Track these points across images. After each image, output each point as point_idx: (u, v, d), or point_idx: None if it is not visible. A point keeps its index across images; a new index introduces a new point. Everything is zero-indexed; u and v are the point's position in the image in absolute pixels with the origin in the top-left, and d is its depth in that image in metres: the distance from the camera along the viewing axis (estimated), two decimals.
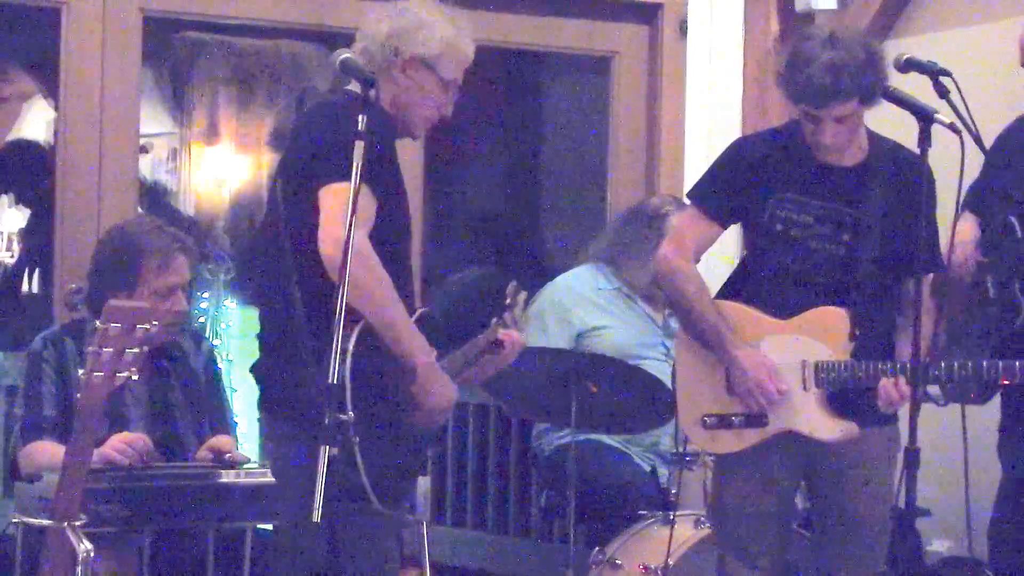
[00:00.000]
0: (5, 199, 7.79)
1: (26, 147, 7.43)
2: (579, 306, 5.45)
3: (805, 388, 4.12)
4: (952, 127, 3.82)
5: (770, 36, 6.35)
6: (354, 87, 3.83)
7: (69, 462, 3.39)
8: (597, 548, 4.93)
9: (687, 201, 4.46)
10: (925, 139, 3.83)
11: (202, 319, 6.66)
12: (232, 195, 8.68)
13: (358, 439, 3.57)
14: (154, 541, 4.19)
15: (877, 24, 6.13)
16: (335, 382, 3.37)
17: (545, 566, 5.86)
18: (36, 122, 8.22)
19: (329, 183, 3.65)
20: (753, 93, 6.35)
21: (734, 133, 6.23)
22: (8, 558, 4.13)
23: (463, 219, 8.29)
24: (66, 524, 3.35)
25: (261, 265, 3.92)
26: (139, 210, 6.20)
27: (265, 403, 3.88)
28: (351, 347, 3.60)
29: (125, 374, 3.35)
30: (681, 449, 4.77)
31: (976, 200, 4.61)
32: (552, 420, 5.29)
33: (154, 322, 3.38)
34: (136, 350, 3.34)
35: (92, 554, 3.34)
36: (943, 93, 3.91)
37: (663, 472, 5.22)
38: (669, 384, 4.88)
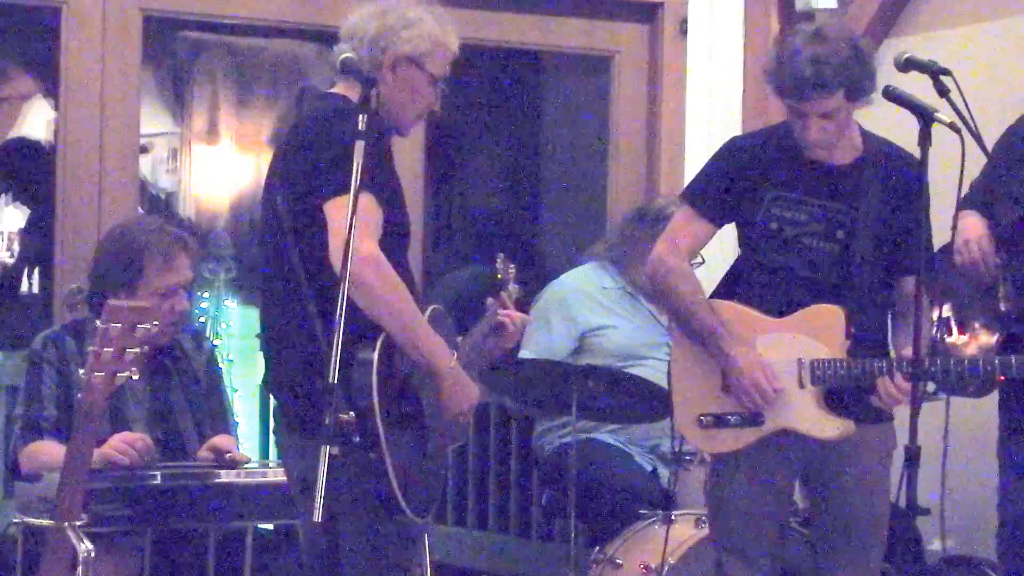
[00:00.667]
0: (3, 197, 7.79)
1: (25, 146, 7.43)
2: (584, 305, 5.45)
3: (801, 386, 4.12)
4: (952, 126, 3.81)
5: (770, 35, 6.35)
6: (340, 89, 3.88)
7: (70, 462, 3.38)
8: (598, 548, 4.93)
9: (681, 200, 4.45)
10: (925, 138, 3.83)
11: (203, 319, 6.66)
12: (232, 195, 8.68)
13: (389, 450, 3.57)
14: (155, 541, 4.20)
15: (877, 23, 6.13)
16: (334, 382, 3.38)
17: (546, 565, 5.87)
18: (36, 122, 8.23)
19: (334, 197, 3.64)
20: (753, 92, 6.34)
21: (734, 132, 6.21)
22: (9, 558, 4.13)
23: (463, 219, 8.29)
24: (67, 524, 3.35)
25: (267, 279, 3.87)
26: (139, 210, 6.20)
27: (286, 419, 3.82)
28: (375, 358, 3.60)
29: (126, 374, 3.35)
30: (679, 448, 4.77)
31: (979, 199, 4.60)
32: (552, 414, 5.30)
33: (155, 322, 3.37)
34: (137, 350, 3.34)
35: (93, 554, 3.34)
36: (943, 92, 3.90)
37: (664, 472, 5.23)
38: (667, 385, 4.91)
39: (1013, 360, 4.07)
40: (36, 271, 7.28)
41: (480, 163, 8.36)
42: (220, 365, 4.80)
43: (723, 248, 4.53)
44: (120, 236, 4.50)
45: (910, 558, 5.19)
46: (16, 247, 8.09)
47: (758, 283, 4.21)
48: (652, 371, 5.08)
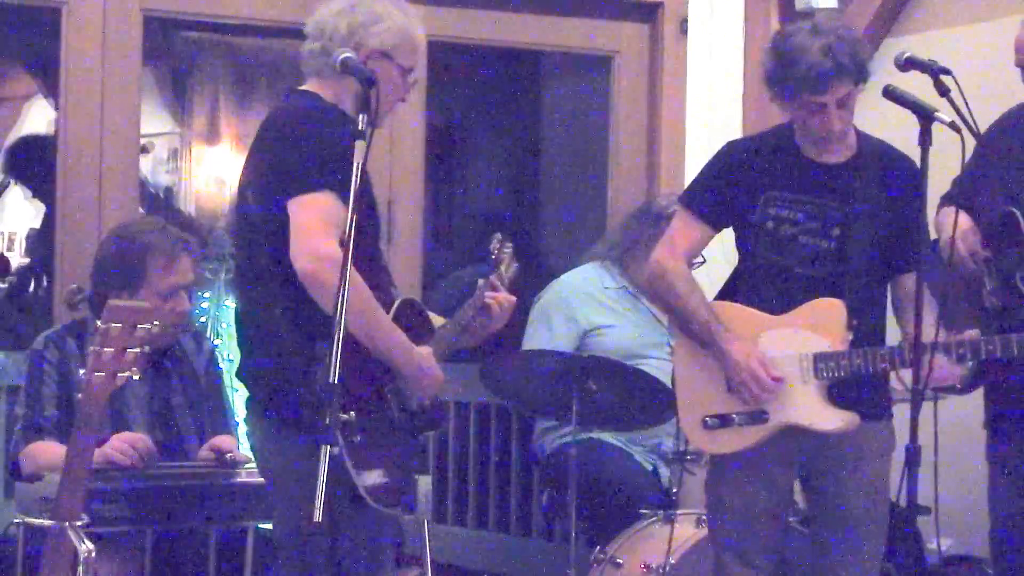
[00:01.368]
0: (17, 193, 7.78)
1: (45, 142, 7.41)
2: (585, 304, 5.46)
3: (804, 381, 4.12)
4: (952, 125, 3.81)
5: (770, 35, 6.32)
6: (311, 86, 3.94)
7: (70, 462, 3.38)
8: (598, 547, 4.93)
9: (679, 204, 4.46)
10: (926, 138, 3.83)
11: (203, 319, 6.65)
12: (233, 195, 8.67)
13: (358, 438, 3.62)
14: (156, 541, 4.20)
15: (877, 22, 6.13)
16: (335, 382, 3.39)
17: (547, 565, 5.87)
18: (37, 122, 8.22)
19: (298, 195, 3.71)
20: (753, 92, 6.35)
21: (734, 132, 6.23)
22: (9, 558, 4.13)
23: (463, 219, 8.29)
24: (67, 524, 3.35)
25: (240, 274, 4.00)
26: (140, 210, 6.20)
27: (253, 405, 3.92)
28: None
29: (126, 374, 3.35)
30: (682, 447, 4.77)
31: (962, 192, 4.60)
32: (554, 417, 5.29)
33: (155, 322, 3.38)
34: (137, 350, 3.34)
35: (93, 554, 3.34)
36: (943, 91, 3.91)
37: (664, 472, 5.23)
38: (670, 383, 4.90)
39: (1014, 339, 4.05)
40: (42, 271, 7.28)
41: (480, 163, 8.36)
42: (220, 365, 4.80)
43: (723, 248, 4.53)
44: (122, 237, 4.51)
45: (911, 557, 5.19)
46: (19, 246, 8.09)
47: (757, 283, 4.23)
48: (653, 371, 5.08)
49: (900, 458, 3.75)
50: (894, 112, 4.02)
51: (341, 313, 3.41)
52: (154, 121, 8.12)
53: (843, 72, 4.03)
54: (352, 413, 3.59)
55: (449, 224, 8.19)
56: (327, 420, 3.37)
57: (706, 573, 4.43)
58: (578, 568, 4.77)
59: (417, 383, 3.86)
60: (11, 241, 8.22)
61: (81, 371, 3.36)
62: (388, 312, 3.82)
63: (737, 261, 4.36)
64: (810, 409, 4.13)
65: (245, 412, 4.00)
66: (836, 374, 4.10)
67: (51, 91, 7.02)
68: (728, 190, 4.23)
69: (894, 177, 4.17)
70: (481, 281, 4.13)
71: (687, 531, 4.73)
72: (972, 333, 4.10)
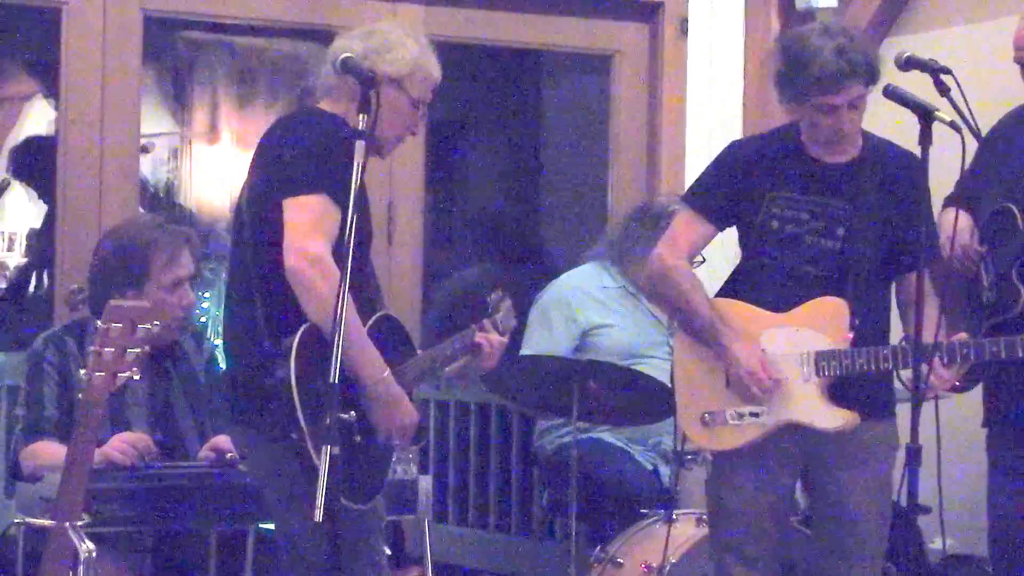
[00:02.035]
0: (20, 193, 7.78)
1: (43, 145, 7.41)
2: (584, 304, 5.46)
3: (805, 379, 4.13)
4: (953, 125, 3.82)
5: (771, 35, 6.34)
6: (325, 105, 3.96)
7: (71, 462, 3.38)
8: (599, 547, 4.93)
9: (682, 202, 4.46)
10: (926, 137, 3.83)
11: (203, 319, 6.66)
12: (233, 195, 8.67)
13: (312, 434, 3.62)
14: (156, 541, 4.20)
15: (877, 22, 6.13)
16: (335, 382, 3.40)
17: (547, 565, 5.87)
18: (37, 122, 8.22)
19: (292, 195, 3.75)
20: (754, 91, 6.35)
21: (735, 132, 6.23)
22: (10, 558, 4.13)
23: (464, 219, 8.29)
24: (68, 524, 3.35)
25: (230, 276, 4.04)
26: (140, 210, 6.20)
27: (234, 412, 3.95)
28: (293, 349, 3.67)
29: (126, 374, 3.35)
30: (680, 447, 4.77)
31: (965, 191, 4.61)
32: (554, 415, 5.29)
33: (155, 322, 3.38)
34: (137, 350, 3.34)
35: (94, 554, 3.34)
36: (943, 91, 3.91)
37: (665, 471, 5.23)
38: (669, 383, 4.90)
39: (1018, 340, 4.04)
40: (41, 271, 7.28)
41: (480, 163, 8.36)
42: (221, 365, 4.80)
43: (724, 248, 4.53)
44: (123, 235, 4.52)
45: (911, 557, 5.19)
46: (19, 246, 8.09)
47: (760, 282, 4.23)
48: (653, 370, 5.09)
49: (902, 457, 3.75)
50: (894, 112, 4.02)
51: (341, 313, 3.42)
52: (154, 121, 8.11)
53: (856, 73, 4.03)
54: (352, 413, 3.59)
55: (449, 224, 8.19)
56: (327, 420, 3.38)
57: (706, 573, 4.43)
58: (578, 568, 4.78)
59: (379, 405, 3.77)
60: (11, 241, 8.22)
61: (81, 371, 3.36)
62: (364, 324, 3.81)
63: (740, 259, 4.36)
64: (810, 407, 4.13)
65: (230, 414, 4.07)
66: (837, 373, 4.10)
67: (51, 91, 7.02)
68: (732, 189, 4.24)
69: (898, 176, 4.17)
70: (472, 325, 4.12)
71: (687, 531, 4.73)
72: (962, 336, 4.10)
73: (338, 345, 3.42)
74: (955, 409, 4.56)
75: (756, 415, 4.14)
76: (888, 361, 4.04)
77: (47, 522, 3.46)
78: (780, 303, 4.18)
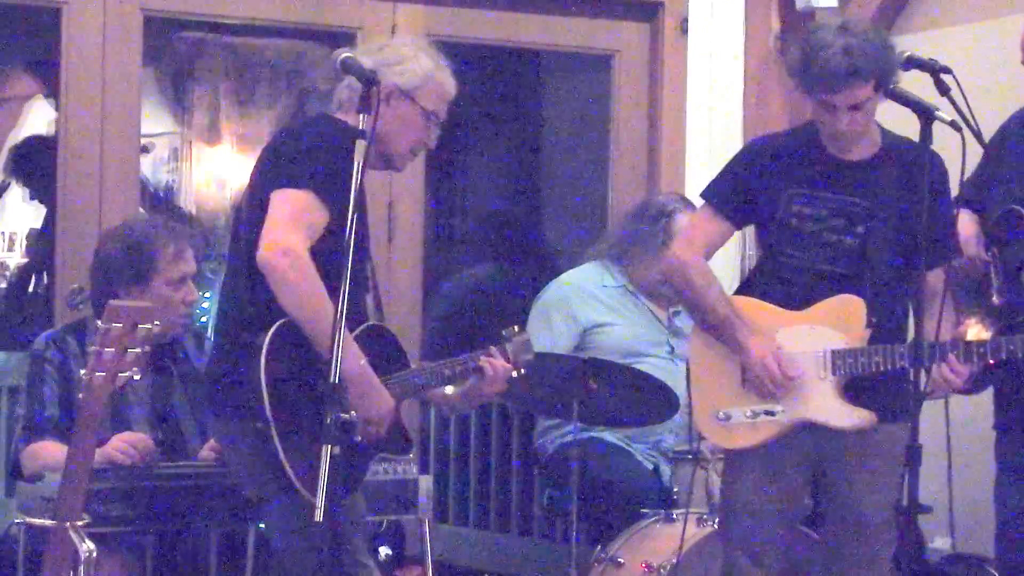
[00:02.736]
0: (17, 193, 7.78)
1: (46, 144, 7.41)
2: (585, 303, 5.45)
3: (821, 377, 4.12)
4: (953, 124, 3.82)
5: (771, 34, 6.35)
6: (339, 116, 3.95)
7: (71, 462, 3.38)
8: (599, 547, 4.93)
9: (700, 200, 4.43)
10: (926, 136, 3.83)
11: (203, 319, 6.65)
12: (233, 194, 8.67)
13: (279, 428, 3.66)
14: (157, 541, 4.20)
15: (877, 21, 6.12)
16: (335, 382, 3.40)
17: (547, 565, 5.87)
18: (37, 122, 8.22)
19: (278, 188, 3.77)
20: (754, 91, 6.35)
21: (735, 131, 6.24)
22: (11, 558, 4.13)
23: (464, 218, 8.29)
24: (68, 524, 3.35)
25: (225, 267, 4.09)
26: (140, 210, 6.20)
27: (211, 404, 3.98)
28: (266, 341, 3.69)
29: (127, 374, 3.35)
30: (679, 449, 4.77)
31: (973, 194, 4.61)
32: (555, 416, 5.29)
33: (156, 322, 3.37)
34: (138, 350, 3.34)
35: (95, 554, 3.34)
36: (944, 90, 3.91)
37: (665, 470, 5.22)
38: (670, 383, 4.90)
39: None
40: (43, 271, 7.28)
41: (480, 163, 8.35)
42: None
43: (724, 247, 4.52)
44: (128, 234, 4.52)
45: (912, 556, 5.19)
46: (20, 246, 8.09)
47: (778, 279, 4.22)
48: (653, 369, 5.09)
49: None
50: (895, 111, 4.02)
51: (342, 314, 3.42)
52: (154, 121, 8.11)
53: (858, 76, 3.98)
54: (353, 412, 3.59)
55: (449, 224, 8.19)
56: (327, 420, 3.38)
57: (708, 572, 4.43)
58: (579, 567, 4.77)
59: (358, 394, 3.74)
60: (11, 241, 8.22)
61: (82, 371, 3.36)
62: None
63: (759, 258, 4.34)
64: (826, 406, 4.12)
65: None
66: (852, 371, 4.09)
67: (52, 91, 7.02)
68: (751, 186, 4.22)
69: (918, 173, 4.13)
70: (480, 353, 4.10)
71: (689, 530, 4.72)
72: (971, 325, 4.10)
73: (338, 345, 3.42)
74: (959, 409, 4.57)
75: (771, 413, 4.14)
76: (904, 359, 4.01)
77: (48, 522, 3.46)
78: (798, 301, 4.17)
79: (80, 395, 3.39)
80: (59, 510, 3.38)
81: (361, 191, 3.67)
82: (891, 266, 4.14)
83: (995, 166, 4.56)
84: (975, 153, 3.97)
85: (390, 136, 3.96)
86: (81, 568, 3.33)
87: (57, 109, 6.12)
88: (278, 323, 3.72)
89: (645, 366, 5.15)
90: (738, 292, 4.32)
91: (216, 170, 8.59)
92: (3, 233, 8.26)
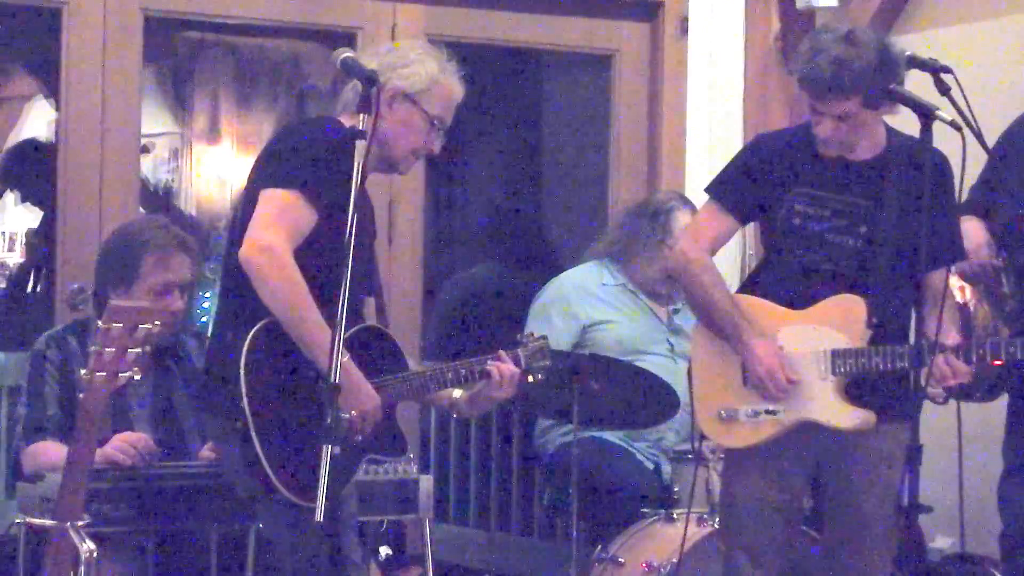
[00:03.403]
0: (12, 196, 7.79)
1: (38, 147, 7.42)
2: (584, 301, 5.46)
3: (821, 377, 4.12)
4: (953, 124, 3.81)
5: (771, 34, 6.35)
6: (343, 119, 3.93)
7: (72, 462, 3.38)
8: (600, 546, 4.93)
9: (703, 195, 4.43)
10: (926, 136, 3.83)
11: (204, 319, 6.66)
12: (233, 195, 8.68)
13: (259, 429, 3.67)
14: (157, 541, 4.20)
15: (878, 21, 6.12)
16: (336, 382, 3.40)
17: (548, 564, 5.86)
18: (37, 123, 8.22)
19: (266, 187, 3.78)
20: (754, 91, 6.35)
21: (735, 131, 6.23)
22: (11, 558, 4.13)
23: (463, 219, 8.28)
24: (69, 524, 3.35)
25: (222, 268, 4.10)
26: (140, 210, 6.20)
27: (200, 400, 4.04)
28: (248, 338, 3.71)
29: (128, 374, 3.35)
30: (699, 445, 4.76)
31: (981, 198, 4.60)
32: (555, 416, 5.29)
33: (156, 322, 3.38)
34: (139, 350, 3.34)
35: (95, 554, 3.34)
36: (944, 90, 3.91)
37: (666, 470, 5.22)
38: (671, 382, 4.90)
39: None
40: (42, 272, 7.28)
41: (480, 163, 8.35)
42: None
43: (725, 247, 4.52)
44: (122, 233, 4.52)
45: (912, 556, 5.19)
46: (20, 247, 8.09)
47: (781, 279, 4.21)
48: (652, 367, 5.09)
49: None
50: (895, 111, 4.02)
51: (342, 314, 3.42)
52: (154, 121, 8.12)
53: (839, 90, 3.97)
54: (353, 412, 3.59)
55: (449, 224, 8.18)
56: (328, 420, 3.38)
57: (708, 572, 4.43)
58: (580, 567, 4.77)
59: (344, 394, 3.63)
60: (11, 241, 8.22)
61: (83, 371, 3.36)
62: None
63: (763, 257, 4.34)
64: (826, 406, 4.12)
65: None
66: (853, 371, 4.08)
67: (51, 91, 7.02)
68: (757, 184, 4.21)
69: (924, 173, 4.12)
70: (490, 357, 4.08)
71: (690, 530, 4.72)
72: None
73: (338, 344, 3.41)
74: (968, 410, 4.57)
75: (773, 412, 4.14)
76: (904, 360, 4.00)
77: (48, 522, 3.47)
78: (799, 300, 4.17)
79: (81, 395, 3.39)
80: (59, 510, 3.38)
81: (363, 193, 3.66)
82: (894, 267, 4.13)
83: (1001, 171, 4.55)
84: (975, 153, 3.96)
85: (392, 139, 3.94)
86: (81, 568, 3.33)
87: (57, 109, 6.12)
88: (261, 322, 3.73)
89: (645, 364, 5.15)
90: (740, 291, 4.32)
91: (216, 170, 8.59)
92: (3, 233, 8.27)
